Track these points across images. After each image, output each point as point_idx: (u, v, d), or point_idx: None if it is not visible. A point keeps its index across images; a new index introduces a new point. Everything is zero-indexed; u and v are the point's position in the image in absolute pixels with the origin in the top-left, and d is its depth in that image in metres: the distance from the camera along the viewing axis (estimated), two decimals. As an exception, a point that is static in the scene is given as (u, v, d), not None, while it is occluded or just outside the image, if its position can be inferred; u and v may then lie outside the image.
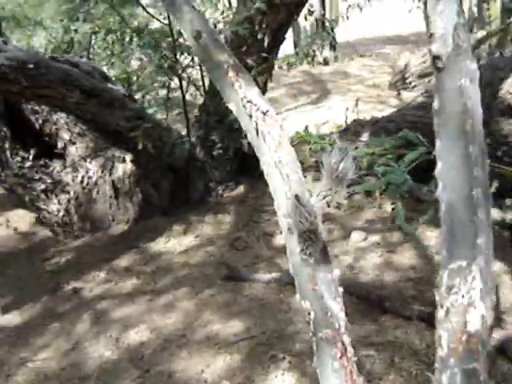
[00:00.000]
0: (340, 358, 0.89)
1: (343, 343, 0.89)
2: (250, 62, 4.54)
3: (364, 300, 3.36)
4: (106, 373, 3.05)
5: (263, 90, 5.18)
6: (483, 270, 0.64)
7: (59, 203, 5.01)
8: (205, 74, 5.42)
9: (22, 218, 5.34)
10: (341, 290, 0.94)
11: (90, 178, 5.02)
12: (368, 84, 9.74)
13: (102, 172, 5.02)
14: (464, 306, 0.65)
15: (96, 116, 4.18)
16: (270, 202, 4.23)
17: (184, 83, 4.97)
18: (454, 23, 0.59)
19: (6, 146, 4.85)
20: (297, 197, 0.86)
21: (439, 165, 0.65)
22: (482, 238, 0.63)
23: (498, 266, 3.71)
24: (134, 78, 6.04)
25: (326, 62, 11.34)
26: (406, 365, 2.82)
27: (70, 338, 3.43)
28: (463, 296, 0.65)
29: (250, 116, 0.93)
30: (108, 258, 4.46)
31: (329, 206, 4.11)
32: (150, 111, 4.60)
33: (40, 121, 4.99)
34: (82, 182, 5.01)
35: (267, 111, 0.92)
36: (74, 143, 5.02)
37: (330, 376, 0.89)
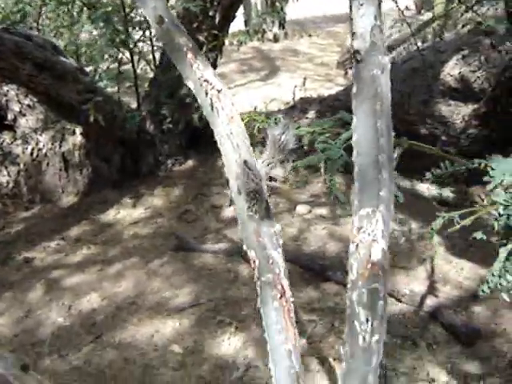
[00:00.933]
0: (280, 298, 1.04)
1: (282, 286, 1.04)
2: (201, 38, 4.63)
3: (307, 269, 3.55)
4: (59, 338, 3.15)
5: (214, 66, 5.28)
6: (385, 215, 0.81)
7: (9, 175, 5.03)
8: (155, 48, 5.49)
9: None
10: (281, 241, 1.09)
11: (40, 150, 5.05)
12: (317, 62, 9.90)
13: (52, 144, 5.05)
14: (369, 241, 0.81)
15: (48, 89, 4.21)
16: (219, 176, 4.40)
17: (135, 58, 5.02)
18: (372, 25, 0.75)
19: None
20: (245, 162, 1.00)
21: (354, 136, 0.81)
22: (384, 191, 0.80)
23: (435, 239, 3.95)
24: (83, 50, 6.05)
25: (275, 39, 11.44)
26: (344, 328, 3.02)
27: (22, 306, 3.51)
28: (369, 234, 0.81)
29: (206, 93, 1.06)
30: (58, 228, 4.52)
31: (275, 180, 4.30)
32: (101, 85, 4.64)
33: (-11, 93, 4.98)
34: (31, 154, 5.04)
35: (221, 89, 1.06)
36: (24, 115, 5.03)
37: (271, 313, 1.05)
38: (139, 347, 3.04)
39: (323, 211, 4.42)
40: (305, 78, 7.20)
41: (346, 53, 9.36)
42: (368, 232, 0.82)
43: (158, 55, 5.58)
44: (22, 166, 5.04)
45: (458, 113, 5.04)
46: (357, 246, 0.85)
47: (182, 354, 2.96)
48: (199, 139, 5.45)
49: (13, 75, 4.04)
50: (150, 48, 5.44)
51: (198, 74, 1.07)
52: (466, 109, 5.00)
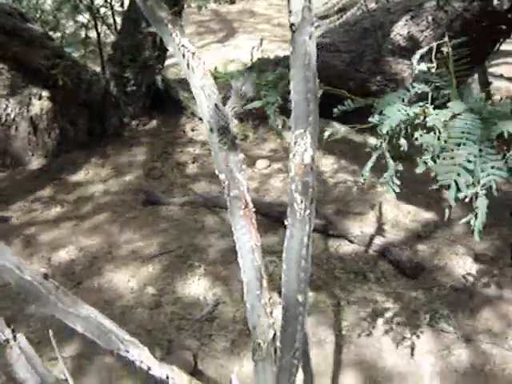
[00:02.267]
0: (244, 208, 1.36)
1: (246, 199, 1.36)
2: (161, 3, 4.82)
3: (267, 216, 3.86)
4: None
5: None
6: (312, 133, 1.13)
7: (-22, 140, 5.19)
8: (116, 13, 5.66)
9: None
10: (244, 167, 1.40)
11: (8, 115, 5.21)
12: (274, 23, 10.08)
13: (20, 109, 5.21)
14: (302, 151, 1.14)
15: (17, 55, 4.39)
16: (182, 136, 4.68)
17: (98, 23, 5.20)
18: (303, 5, 1.07)
19: None
20: (216, 105, 1.30)
21: (292, 83, 1.13)
22: (311, 117, 1.12)
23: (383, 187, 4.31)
24: (40, 16, 6.17)
25: (232, 1, 11.57)
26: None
27: (3, 260, 3.75)
28: (301, 146, 1.13)
29: (183, 55, 1.35)
30: (31, 189, 4.73)
31: (236, 137, 4.57)
32: (67, 50, 4.82)
33: (-45, 60, 5.11)
34: (0, 119, 5.20)
35: (195, 52, 1.35)
36: (-10, 81, 5.18)
37: (239, 220, 1.37)
38: (117, 291, 3.33)
39: (281, 165, 4.73)
40: (261, 39, 7.41)
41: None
42: (301, 144, 1.14)
43: (118, 20, 5.76)
44: (-10, 130, 5.20)
45: (407, 70, 5.35)
46: (294, 154, 1.17)
47: (156, 294, 3.27)
48: (162, 100, 5.68)
49: (-18, 43, 4.21)
50: (111, 13, 5.60)
51: (176, 40, 1.35)
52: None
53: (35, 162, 5.23)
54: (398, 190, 1.92)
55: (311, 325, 2.98)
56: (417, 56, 2.03)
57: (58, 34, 4.84)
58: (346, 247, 3.63)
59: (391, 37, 5.43)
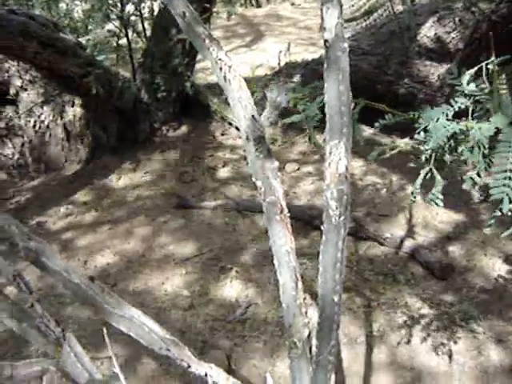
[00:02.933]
0: (280, 213, 1.43)
1: (281, 205, 1.43)
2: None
3: (297, 220, 3.92)
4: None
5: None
6: (346, 144, 1.20)
7: (13, 147, 5.34)
8: (145, 20, 5.76)
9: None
10: (279, 174, 1.46)
11: (42, 122, 5.34)
12: (300, 26, 10.13)
13: (54, 116, 5.34)
14: (336, 160, 1.20)
15: (51, 64, 4.52)
16: (211, 141, 4.76)
17: (129, 31, 5.31)
18: (336, 22, 1.13)
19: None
20: (253, 116, 1.36)
21: (326, 96, 1.20)
22: (345, 129, 1.18)
23: (412, 189, 4.33)
24: (72, 24, 6.31)
25: (258, 5, 11.64)
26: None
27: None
28: (336, 155, 1.20)
29: (221, 69, 1.42)
30: (65, 194, 4.84)
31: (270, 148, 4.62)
32: (99, 58, 4.94)
33: (-9, 69, 5.26)
34: (34, 126, 5.34)
35: (231, 65, 1.42)
36: (25, 89, 5.31)
37: (275, 225, 1.44)
38: (151, 293, 3.42)
39: (310, 168, 4.79)
40: (289, 44, 7.47)
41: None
42: (336, 154, 1.20)
43: (147, 27, 5.86)
44: (25, 138, 5.34)
45: (434, 72, 5.37)
46: (329, 163, 1.23)
47: (190, 296, 3.35)
48: (191, 106, 5.78)
49: (20, 53, 4.34)
50: (140, 21, 5.71)
51: (213, 54, 1.43)
52: (441, 68, 5.32)
53: (69, 168, 5.35)
54: (441, 204, 1.98)
55: (342, 326, 3.03)
56: (466, 77, 2.06)
57: (90, 43, 4.94)
58: (375, 249, 3.67)
59: (418, 39, 5.45)
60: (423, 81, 5.41)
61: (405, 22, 5.57)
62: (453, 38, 5.29)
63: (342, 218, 1.28)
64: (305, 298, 1.45)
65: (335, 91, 1.15)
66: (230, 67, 1.41)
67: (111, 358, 1.33)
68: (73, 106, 5.38)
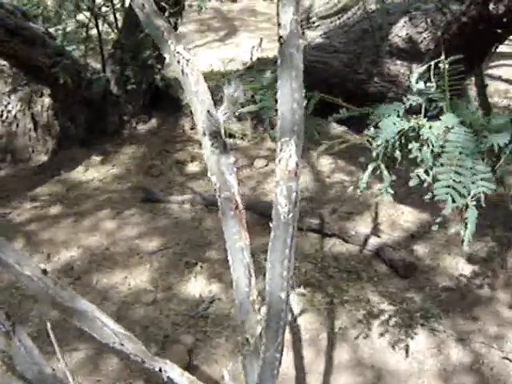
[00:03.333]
0: (235, 208, 1.42)
1: (236, 201, 1.42)
2: (163, 3, 4.86)
3: (264, 216, 3.91)
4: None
5: (175, 29, 5.54)
6: (296, 141, 1.19)
7: (-21, 136, 5.25)
8: (117, 12, 5.70)
9: None
10: (235, 169, 1.46)
11: (9, 112, 5.27)
12: (274, 22, 10.09)
13: (21, 106, 5.27)
14: (286, 157, 1.20)
15: (18, 52, 4.45)
16: (181, 134, 4.73)
17: (99, 21, 5.25)
18: (291, 18, 1.13)
19: None
20: (208, 111, 1.36)
21: (279, 93, 1.19)
22: (296, 127, 1.18)
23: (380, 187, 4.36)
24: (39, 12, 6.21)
25: (234, -1, 11.58)
26: (298, 265, 3.42)
27: (3, 255, 3.80)
28: (286, 152, 1.20)
29: (178, 62, 1.41)
30: (31, 186, 4.78)
31: (234, 137, 4.63)
32: (68, 48, 4.87)
33: (-42, 57, 5.16)
34: (1, 115, 5.26)
35: (189, 59, 1.41)
36: (-8, 79, 5.24)
37: (229, 220, 1.43)
38: (115, 287, 3.39)
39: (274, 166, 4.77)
40: (261, 39, 7.45)
41: (302, 13, 9.58)
42: (286, 151, 1.20)
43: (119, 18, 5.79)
44: (-8, 127, 5.26)
45: (404, 72, 5.39)
46: (279, 160, 1.23)
47: (153, 291, 3.33)
48: (161, 99, 5.73)
49: (-16, 41, 4.27)
50: (112, 12, 5.64)
51: (171, 47, 1.41)
52: (412, 68, 5.35)
53: (35, 159, 5.28)
54: (391, 199, 1.99)
55: (305, 322, 3.04)
56: (415, 75, 2.08)
57: (60, 32, 4.86)
58: (340, 246, 3.69)
59: (389, 38, 5.46)
60: (393, 80, 5.43)
61: (377, 21, 5.59)
62: (424, 38, 5.31)
63: (291, 214, 1.28)
64: (258, 295, 1.45)
65: (288, 88, 1.15)
66: (187, 61, 1.40)
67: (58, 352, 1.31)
68: (41, 97, 5.31)
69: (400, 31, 5.42)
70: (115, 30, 5.75)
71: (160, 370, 1.56)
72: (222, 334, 2.98)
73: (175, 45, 1.41)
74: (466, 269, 3.46)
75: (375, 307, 3.14)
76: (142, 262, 3.59)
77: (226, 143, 1.41)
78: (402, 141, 1.97)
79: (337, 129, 5.13)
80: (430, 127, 1.89)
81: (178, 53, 1.40)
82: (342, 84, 5.33)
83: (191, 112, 5.16)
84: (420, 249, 3.65)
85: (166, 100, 5.70)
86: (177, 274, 3.47)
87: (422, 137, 1.89)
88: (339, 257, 3.58)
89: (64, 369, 1.30)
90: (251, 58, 6.77)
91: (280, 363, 1.36)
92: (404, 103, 2.08)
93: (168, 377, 1.56)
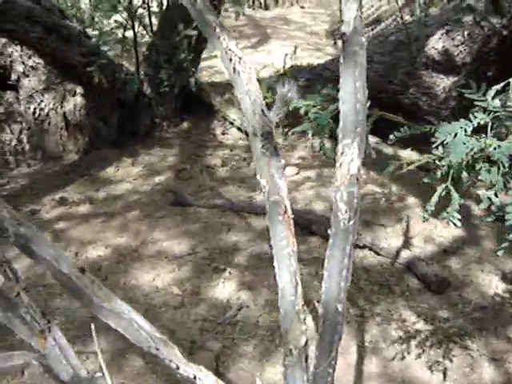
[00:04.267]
0: (283, 213, 1.38)
1: (285, 205, 1.37)
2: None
3: (295, 224, 3.86)
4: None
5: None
6: (359, 144, 1.15)
7: (12, 133, 5.27)
8: (152, 14, 5.71)
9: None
10: (285, 173, 1.41)
11: (42, 109, 5.28)
12: (307, 31, 10.10)
13: (54, 105, 5.29)
14: (348, 161, 1.15)
15: (54, 51, 4.47)
16: (212, 139, 4.71)
17: (135, 23, 5.26)
18: (355, 15, 1.08)
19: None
20: (262, 110, 1.31)
21: (341, 92, 1.15)
22: (359, 128, 1.13)
23: (411, 200, 4.29)
24: (78, 14, 6.26)
25: (266, 7, 11.60)
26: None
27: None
28: (348, 156, 1.15)
29: (230, 60, 1.37)
30: (61, 184, 4.79)
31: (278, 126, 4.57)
32: (104, 48, 4.89)
33: (-6, 53, 5.20)
34: (34, 113, 5.28)
35: (241, 57, 1.37)
36: (27, 76, 5.25)
37: (277, 225, 1.39)
38: (142, 289, 3.36)
39: (309, 174, 4.74)
40: (295, 47, 7.44)
41: (335, 23, 9.57)
42: (348, 154, 1.15)
43: (154, 21, 5.80)
44: (24, 124, 5.28)
45: (440, 84, 5.34)
46: (340, 164, 1.18)
47: (181, 295, 3.29)
48: (193, 103, 5.73)
49: (24, 37, 4.29)
50: (147, 14, 5.65)
51: (223, 44, 1.38)
52: (447, 81, 5.30)
53: (66, 158, 5.29)
54: (459, 224, 1.92)
55: (334, 334, 2.98)
56: (492, 92, 2.01)
57: (95, 32, 4.90)
58: (371, 259, 3.62)
59: (426, 50, 5.42)
60: (428, 92, 5.38)
61: (413, 33, 5.54)
62: (460, 51, 5.27)
63: (352, 222, 1.23)
64: (304, 305, 1.40)
65: (351, 87, 1.11)
66: (240, 58, 1.36)
67: (97, 353, 1.27)
68: (74, 96, 5.32)
69: (436, 43, 5.37)
70: (150, 33, 5.76)
71: (194, 378, 1.51)
72: (249, 342, 2.93)
73: (227, 41, 1.38)
74: (500, 287, 3.37)
75: (406, 322, 3.07)
76: (169, 265, 3.56)
77: (276, 146, 1.37)
78: (469, 161, 1.89)
79: (369, 140, 5.06)
80: (500, 147, 1.82)
81: (229, 50, 1.37)
82: (375, 95, 5.26)
83: (223, 117, 5.20)
84: (453, 265, 3.57)
85: (197, 104, 5.70)
86: (205, 278, 3.43)
87: (492, 157, 1.81)
88: (370, 269, 3.51)
89: (103, 369, 1.26)
90: (284, 66, 6.77)
91: (333, 379, 1.31)
92: (471, 121, 1.99)
93: (202, 385, 1.52)
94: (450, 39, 5.31)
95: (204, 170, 4.87)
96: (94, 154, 5.25)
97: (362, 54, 1.10)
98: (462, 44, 5.26)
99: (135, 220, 4.11)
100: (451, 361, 2.81)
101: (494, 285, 3.39)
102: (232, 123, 5.52)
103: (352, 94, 1.12)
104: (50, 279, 3.49)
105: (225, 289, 3.34)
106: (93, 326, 1.35)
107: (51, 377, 1.24)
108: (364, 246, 3.71)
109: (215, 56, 8.12)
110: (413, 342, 2.92)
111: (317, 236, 3.77)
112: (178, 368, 1.49)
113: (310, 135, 5.67)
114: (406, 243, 3.77)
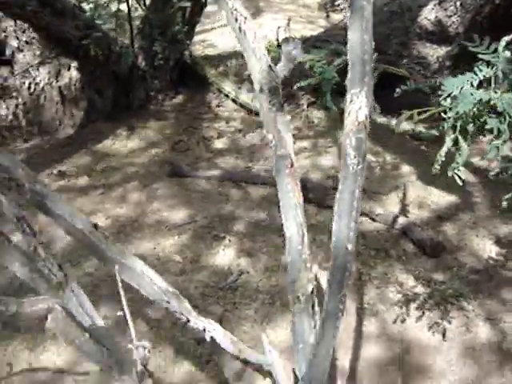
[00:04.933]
0: (290, 167, 1.43)
1: (291, 159, 1.42)
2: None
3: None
4: (70, 252, 3.49)
5: (203, 7, 5.55)
6: (367, 93, 1.20)
7: (7, 108, 5.28)
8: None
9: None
10: (291, 127, 1.45)
11: (37, 84, 5.28)
12: (299, 4, 10.05)
13: (49, 79, 5.28)
14: (356, 109, 1.20)
15: (49, 24, 4.47)
16: (207, 111, 4.73)
17: (128, -3, 5.25)
18: None
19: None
20: (270, 66, 1.36)
21: (349, 43, 1.20)
22: (366, 78, 1.18)
23: (406, 169, 4.35)
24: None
25: (258, -20, 11.50)
26: (324, 241, 3.44)
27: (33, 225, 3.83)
28: (356, 104, 1.20)
29: (236, 19, 1.41)
30: (58, 158, 4.80)
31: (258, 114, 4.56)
32: (98, 22, 4.88)
33: (-12, 28, 5.19)
34: (29, 88, 5.28)
35: (247, 16, 1.41)
36: (21, 51, 5.25)
37: (284, 178, 1.44)
38: (143, 257, 3.34)
39: (305, 144, 4.78)
40: (289, 19, 7.41)
41: (328, -5, 9.53)
42: (356, 103, 1.20)
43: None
44: (20, 99, 5.28)
45: (433, 54, 5.36)
46: (349, 112, 1.23)
47: (181, 262, 3.35)
48: (188, 76, 5.74)
49: (19, 11, 4.28)
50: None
51: (229, 4, 1.41)
52: (441, 51, 5.32)
53: (62, 132, 5.30)
54: (463, 178, 1.96)
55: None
56: (502, 43, 2.04)
57: (90, 6, 4.88)
58: (368, 225, 3.69)
59: (419, 21, 5.43)
60: (422, 62, 5.41)
61: (406, 3, 5.55)
62: (453, 21, 5.28)
63: (360, 166, 1.28)
64: (310, 253, 1.46)
65: (358, 39, 1.16)
66: (245, 18, 1.40)
67: (121, 298, 1.32)
68: (69, 70, 5.32)
69: (429, 14, 5.38)
70: (143, 7, 5.74)
71: (204, 330, 1.57)
72: (251, 306, 3.01)
73: (233, 2, 1.42)
74: (494, 250, 3.45)
75: (404, 285, 3.15)
76: (170, 234, 3.61)
77: (282, 101, 1.41)
78: (476, 112, 1.94)
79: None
80: (506, 98, 1.86)
81: (235, 10, 1.40)
82: (370, 65, 5.30)
83: (218, 90, 5.20)
84: (448, 230, 3.64)
85: (192, 77, 5.71)
86: (205, 246, 3.49)
87: (498, 108, 1.86)
88: (367, 235, 3.58)
89: (127, 313, 1.31)
90: (277, 39, 6.76)
91: (343, 314, 1.37)
92: (477, 74, 2.04)
93: (211, 337, 1.58)
94: (442, 9, 5.31)
95: (200, 141, 4.90)
96: (90, 128, 5.25)
97: (368, 8, 1.15)
98: (455, 14, 5.27)
99: (134, 191, 4.15)
100: (449, 322, 2.89)
101: (488, 249, 3.46)
102: (227, 95, 5.53)
103: (359, 45, 1.16)
104: (51, 250, 3.55)
105: (225, 256, 3.40)
106: (117, 267, 1.39)
107: (73, 322, 1.29)
108: (361, 213, 3.76)
109: (209, 29, 8.10)
110: (412, 305, 3.00)
111: (313, 204, 3.82)
112: (188, 321, 1.54)
113: (305, 106, 5.71)
114: (402, 210, 3.83)
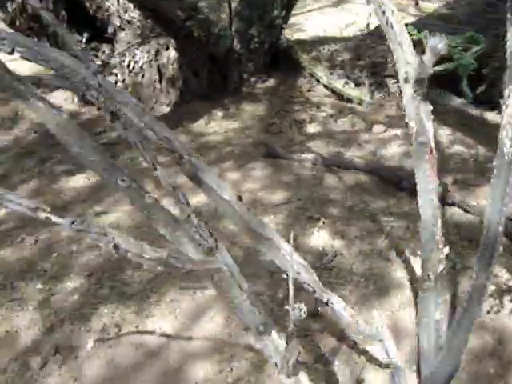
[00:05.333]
0: (429, 153, 1.51)
1: (431, 146, 1.51)
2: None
3: (385, 180, 3.99)
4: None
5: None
6: None
7: (107, 84, 5.51)
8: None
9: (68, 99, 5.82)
10: (431, 117, 1.53)
11: (136, 62, 5.51)
12: (389, -9, 9.97)
13: (148, 57, 5.50)
14: None
15: (156, 4, 4.66)
16: (299, 96, 4.81)
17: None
18: None
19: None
20: (421, 59, 1.44)
21: (509, 42, 1.26)
22: None
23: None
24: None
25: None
26: (417, 229, 3.48)
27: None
28: None
29: (384, 12, 1.50)
30: (155, 134, 4.99)
31: (352, 101, 4.66)
32: (201, 4, 5.05)
33: (94, 7, 5.44)
34: (128, 66, 5.51)
35: (393, 10, 1.50)
36: (123, 29, 5.48)
37: (423, 164, 1.53)
38: (241, 235, 3.54)
39: (398, 132, 4.81)
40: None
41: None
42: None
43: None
44: (119, 76, 5.52)
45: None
46: (507, 105, 1.30)
47: (277, 241, 3.46)
48: (281, 60, 5.85)
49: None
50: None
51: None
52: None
53: (158, 110, 5.51)
54: None
55: (426, 284, 3.10)
56: None
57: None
58: (460, 216, 3.71)
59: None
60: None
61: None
62: None
63: (516, 154, 1.35)
64: (442, 236, 1.54)
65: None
66: (392, 11, 1.48)
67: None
68: (167, 50, 5.51)
69: (528, 2, 5.27)
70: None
71: (327, 303, 1.68)
72: (346, 287, 3.09)
73: (381, -3, 1.50)
74: None
75: (498, 277, 3.16)
76: (265, 213, 3.73)
77: (426, 92, 1.49)
78: None
79: (456, 101, 5.09)
80: None
81: (383, 4, 1.49)
82: (466, 56, 5.27)
83: (310, 74, 5.29)
84: (543, 225, 3.62)
85: (285, 61, 5.81)
86: (299, 227, 3.59)
87: None
88: (460, 225, 3.61)
89: (290, 285, 1.43)
90: (368, 25, 6.78)
91: (487, 290, 1.45)
92: None
93: (333, 309, 1.68)
94: None
95: (293, 124, 5.00)
96: (185, 107, 5.43)
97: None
98: None
99: (230, 170, 4.30)
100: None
101: None
102: (318, 80, 5.61)
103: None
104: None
105: (319, 237, 3.50)
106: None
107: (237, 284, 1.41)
108: (453, 204, 3.80)
109: (298, 14, 8.15)
110: (506, 297, 3.02)
111: (406, 192, 3.87)
112: (314, 291, 1.66)
113: (396, 94, 5.70)
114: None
